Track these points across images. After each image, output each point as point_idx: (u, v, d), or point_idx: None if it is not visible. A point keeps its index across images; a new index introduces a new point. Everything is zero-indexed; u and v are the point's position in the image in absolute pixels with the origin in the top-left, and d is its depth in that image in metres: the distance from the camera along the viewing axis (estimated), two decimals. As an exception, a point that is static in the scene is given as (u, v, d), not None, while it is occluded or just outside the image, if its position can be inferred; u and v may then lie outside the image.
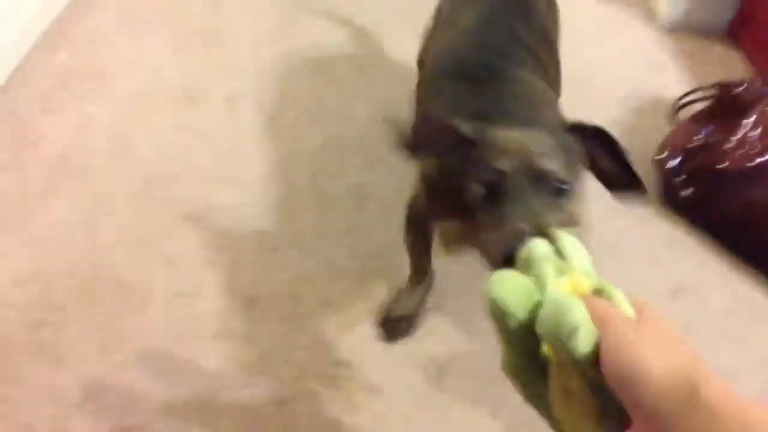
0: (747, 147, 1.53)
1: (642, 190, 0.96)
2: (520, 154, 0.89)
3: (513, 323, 0.58)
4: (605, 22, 2.28)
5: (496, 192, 0.87)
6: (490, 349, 0.66)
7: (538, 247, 0.65)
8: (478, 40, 1.28)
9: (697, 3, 2.18)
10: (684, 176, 1.63)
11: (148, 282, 1.46)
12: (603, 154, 0.96)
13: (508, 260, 0.70)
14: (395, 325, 1.39)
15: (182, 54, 2.09)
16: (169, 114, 1.88)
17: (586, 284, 0.61)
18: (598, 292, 0.60)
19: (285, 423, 1.26)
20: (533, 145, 0.90)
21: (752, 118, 1.55)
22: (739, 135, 1.55)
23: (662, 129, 1.78)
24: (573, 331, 0.52)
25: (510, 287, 0.59)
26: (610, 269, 1.48)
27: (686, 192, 1.63)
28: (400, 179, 1.67)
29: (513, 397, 0.60)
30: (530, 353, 0.59)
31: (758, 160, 1.51)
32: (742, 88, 1.65)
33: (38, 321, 1.38)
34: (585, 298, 0.56)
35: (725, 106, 1.66)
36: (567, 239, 0.67)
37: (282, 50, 2.11)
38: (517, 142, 0.91)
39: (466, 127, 0.94)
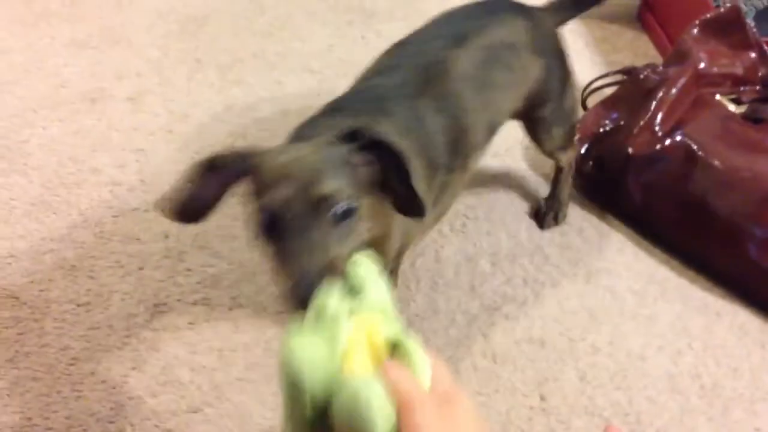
0: (652, 130, 1.55)
1: (421, 215, 0.87)
2: (295, 179, 0.79)
3: (306, 399, 0.54)
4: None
5: (276, 224, 0.79)
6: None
7: (329, 299, 0.61)
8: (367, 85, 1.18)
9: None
10: (592, 161, 1.65)
11: (45, 293, 1.39)
12: (385, 167, 0.86)
13: (303, 302, 0.66)
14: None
15: (81, 53, 2.01)
16: (68, 117, 1.80)
17: (381, 333, 0.59)
18: (396, 347, 0.58)
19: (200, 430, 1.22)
20: (310, 164, 0.81)
21: (655, 102, 1.57)
22: (645, 119, 1.57)
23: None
24: (371, 426, 0.50)
25: (307, 358, 0.55)
26: (523, 258, 1.51)
27: (595, 176, 1.65)
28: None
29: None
30: (318, 424, 0.55)
31: (660, 144, 1.53)
32: (646, 72, 1.67)
33: (-74, 341, 1.30)
34: (385, 370, 0.54)
35: (632, 91, 1.68)
36: (360, 270, 0.64)
37: (187, 49, 2.06)
38: (294, 161, 0.82)
39: (232, 155, 0.87)
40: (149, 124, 1.80)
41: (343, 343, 0.56)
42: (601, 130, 1.67)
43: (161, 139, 1.76)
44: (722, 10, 1.70)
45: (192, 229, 1.53)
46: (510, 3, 1.30)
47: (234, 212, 1.56)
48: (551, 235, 1.59)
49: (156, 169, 1.67)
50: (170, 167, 1.67)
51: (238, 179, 0.87)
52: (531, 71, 1.27)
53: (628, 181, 1.57)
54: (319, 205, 0.78)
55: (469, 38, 1.18)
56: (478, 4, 1.31)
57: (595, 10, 2.21)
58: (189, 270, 1.46)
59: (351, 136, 0.85)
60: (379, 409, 0.51)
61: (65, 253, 1.47)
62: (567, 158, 1.53)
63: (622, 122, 1.64)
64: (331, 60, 2.06)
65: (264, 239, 0.81)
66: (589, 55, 2.11)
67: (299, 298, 0.69)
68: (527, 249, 1.55)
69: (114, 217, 1.56)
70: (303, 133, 1.04)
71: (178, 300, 1.41)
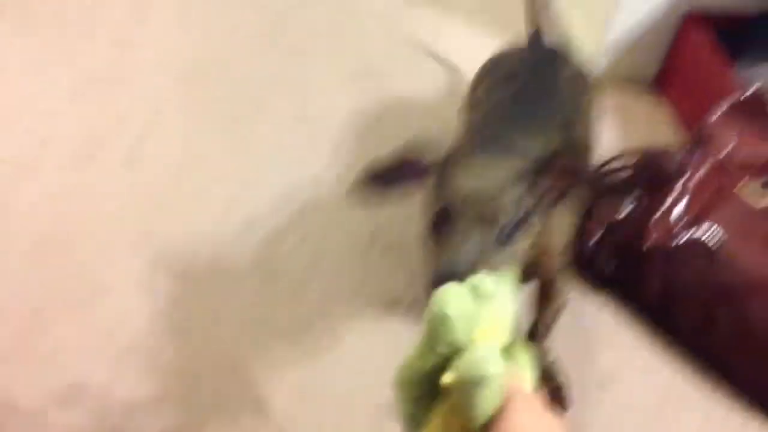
0: (671, 223, 1.46)
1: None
2: (473, 190, 0.87)
3: (438, 348, 0.58)
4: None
5: (445, 222, 0.87)
6: None
7: (486, 279, 0.64)
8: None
9: (623, 55, 2.13)
10: (607, 252, 1.56)
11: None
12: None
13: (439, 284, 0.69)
14: None
15: (81, 101, 1.92)
16: (59, 172, 1.71)
17: (498, 335, 0.62)
18: (508, 348, 0.63)
19: None
20: (492, 178, 0.89)
21: (674, 193, 1.49)
22: (663, 209, 1.48)
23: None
24: (479, 396, 0.53)
25: (456, 309, 0.59)
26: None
27: (609, 269, 1.56)
28: (312, 253, 1.57)
29: None
30: (432, 377, 0.58)
31: (679, 237, 1.44)
32: (666, 156, 1.58)
33: None
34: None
35: (649, 178, 1.60)
36: (495, 281, 0.65)
37: (192, 101, 1.97)
38: (477, 173, 0.90)
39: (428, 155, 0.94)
40: (146, 183, 1.71)
41: (483, 318, 0.61)
42: (617, 217, 1.58)
43: (156, 203, 1.67)
44: (747, 93, 1.61)
45: (192, 303, 1.45)
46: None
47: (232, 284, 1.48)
48: (559, 330, 1.49)
49: (151, 236, 1.58)
50: (168, 237, 1.58)
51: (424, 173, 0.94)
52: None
53: (646, 277, 1.48)
54: (488, 219, 0.85)
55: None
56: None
57: (611, 76, 2.15)
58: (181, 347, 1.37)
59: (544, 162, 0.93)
60: (494, 381, 0.53)
61: (43, 349, 1.38)
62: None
63: (639, 210, 1.55)
64: (345, 122, 1.97)
65: (431, 231, 0.88)
66: (604, 122, 2.01)
67: (439, 279, 0.75)
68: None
69: (102, 296, 1.47)
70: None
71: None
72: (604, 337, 1.49)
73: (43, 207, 1.64)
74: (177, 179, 1.74)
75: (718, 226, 1.44)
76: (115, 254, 1.55)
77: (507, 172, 0.90)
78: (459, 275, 0.74)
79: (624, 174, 1.64)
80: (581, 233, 1.60)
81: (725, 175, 1.53)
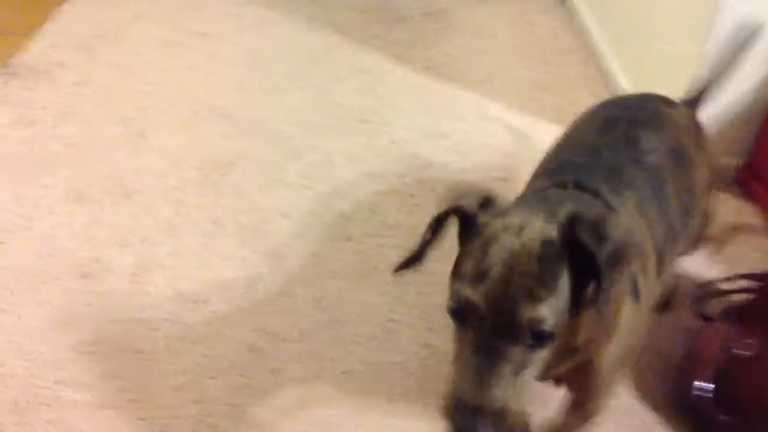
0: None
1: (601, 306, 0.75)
2: (500, 285, 0.73)
3: None
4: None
5: (468, 318, 0.75)
6: None
7: None
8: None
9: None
10: (718, 398, 1.26)
11: None
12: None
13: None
14: None
15: (78, 212, 1.68)
16: (51, 301, 1.45)
17: None
18: None
19: None
20: (525, 269, 0.74)
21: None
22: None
23: (681, 321, 1.43)
24: None
25: None
26: None
27: (722, 418, 1.26)
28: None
29: None
30: None
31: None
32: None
33: None
34: None
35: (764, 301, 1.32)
36: None
37: (205, 205, 1.73)
38: (509, 256, 0.75)
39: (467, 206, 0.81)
40: (153, 313, 1.45)
41: None
42: (730, 356, 1.28)
43: (162, 339, 1.40)
44: None
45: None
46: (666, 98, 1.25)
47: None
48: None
49: (154, 389, 1.31)
50: (170, 381, 1.31)
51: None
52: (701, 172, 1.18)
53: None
54: (521, 327, 0.73)
55: (662, 124, 1.14)
56: (644, 95, 1.27)
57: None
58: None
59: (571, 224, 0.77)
60: None
61: None
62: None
63: (760, 348, 1.26)
64: (374, 225, 1.71)
65: (453, 320, 0.78)
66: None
67: (454, 427, 0.72)
68: None
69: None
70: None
71: None
72: None
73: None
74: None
75: None
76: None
77: (534, 250, 0.75)
78: (476, 424, 0.71)
79: (743, 296, 1.37)
80: (685, 367, 1.32)
81: None
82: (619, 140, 1.08)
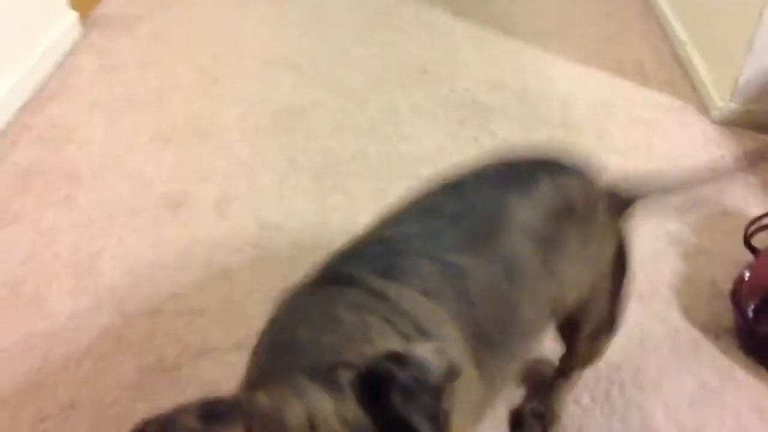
0: None
1: None
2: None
3: None
4: (652, 117, 2.03)
5: None
6: None
7: None
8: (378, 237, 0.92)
9: (758, 96, 1.93)
10: (770, 322, 1.34)
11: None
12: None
13: None
14: None
15: (166, 151, 1.81)
16: (145, 226, 1.59)
17: None
18: None
19: None
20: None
21: None
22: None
23: (734, 253, 1.50)
24: None
25: None
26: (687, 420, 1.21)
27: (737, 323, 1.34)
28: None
29: None
30: None
31: None
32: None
33: None
34: None
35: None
36: None
37: (280, 145, 1.84)
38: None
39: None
40: (235, 238, 1.57)
41: None
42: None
43: (247, 259, 1.52)
44: None
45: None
46: (576, 164, 1.01)
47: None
48: (720, 412, 1.28)
49: (241, 296, 1.43)
50: (256, 295, 1.43)
51: None
52: (599, 253, 1.00)
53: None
54: None
55: (539, 187, 0.93)
56: (536, 158, 1.02)
57: (744, 119, 1.95)
58: None
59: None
60: None
61: (136, 406, 1.23)
62: (585, 365, 1.21)
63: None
64: (441, 165, 1.81)
65: None
66: (741, 174, 1.80)
67: None
68: (689, 430, 1.24)
69: (193, 358, 1.31)
70: (296, 337, 0.75)
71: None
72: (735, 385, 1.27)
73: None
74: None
75: None
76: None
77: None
78: None
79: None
80: (736, 293, 1.39)
81: None
82: (429, 231, 0.89)
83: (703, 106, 2.04)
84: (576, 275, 0.96)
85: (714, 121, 1.99)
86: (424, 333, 0.77)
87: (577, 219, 0.95)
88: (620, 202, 1.06)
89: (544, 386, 1.26)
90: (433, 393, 0.61)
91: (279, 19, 2.44)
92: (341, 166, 1.80)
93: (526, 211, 0.90)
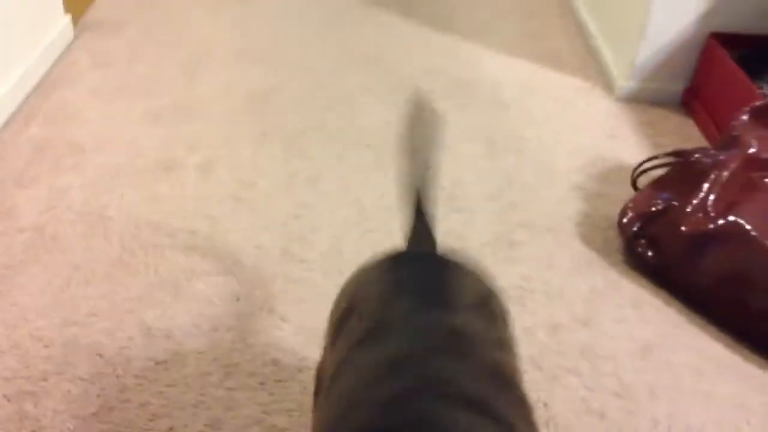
0: (706, 210, 1.61)
1: None
2: None
3: None
4: (566, 96, 2.42)
5: None
6: None
7: None
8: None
9: (651, 76, 2.32)
10: (645, 240, 1.71)
11: (126, 351, 1.47)
12: None
13: None
14: None
15: (156, 125, 2.14)
16: (143, 185, 1.91)
17: None
18: None
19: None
20: None
21: (707, 184, 1.64)
22: (697, 200, 1.63)
23: (624, 195, 1.86)
24: None
25: None
26: (578, 328, 1.56)
27: (648, 255, 1.70)
28: (378, 244, 1.72)
29: None
30: None
31: (714, 224, 1.59)
32: (697, 155, 1.74)
33: (19, 392, 1.37)
34: None
35: (682, 173, 1.75)
36: None
37: (254, 121, 2.18)
38: None
39: None
40: (218, 192, 1.90)
41: None
42: (653, 209, 1.73)
43: (228, 208, 1.85)
44: (770, 99, 1.78)
45: (259, 292, 1.61)
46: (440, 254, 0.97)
47: (298, 276, 1.64)
48: (605, 307, 1.64)
49: (224, 234, 1.76)
50: (237, 234, 1.76)
51: None
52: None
53: (682, 260, 1.63)
54: None
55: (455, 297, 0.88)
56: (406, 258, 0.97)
57: (641, 95, 2.34)
58: (258, 332, 1.53)
59: None
60: None
61: (144, 313, 1.55)
62: None
63: (673, 203, 1.70)
64: (388, 135, 2.17)
65: None
66: (635, 138, 2.19)
67: None
68: (582, 320, 1.60)
69: (186, 280, 1.64)
70: None
71: (249, 361, 1.47)
72: (645, 313, 1.63)
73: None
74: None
75: (750, 212, 1.58)
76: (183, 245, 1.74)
77: None
78: None
79: (659, 172, 1.81)
80: (622, 223, 1.76)
81: (753, 169, 1.68)
82: None
83: (608, 87, 2.44)
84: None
85: (617, 99, 2.38)
86: None
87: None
88: None
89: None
90: None
91: (248, 19, 2.79)
92: (305, 136, 2.14)
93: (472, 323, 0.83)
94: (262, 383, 1.43)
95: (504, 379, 0.78)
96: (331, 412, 0.76)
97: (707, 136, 2.17)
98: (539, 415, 1.39)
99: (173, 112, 2.21)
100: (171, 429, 1.33)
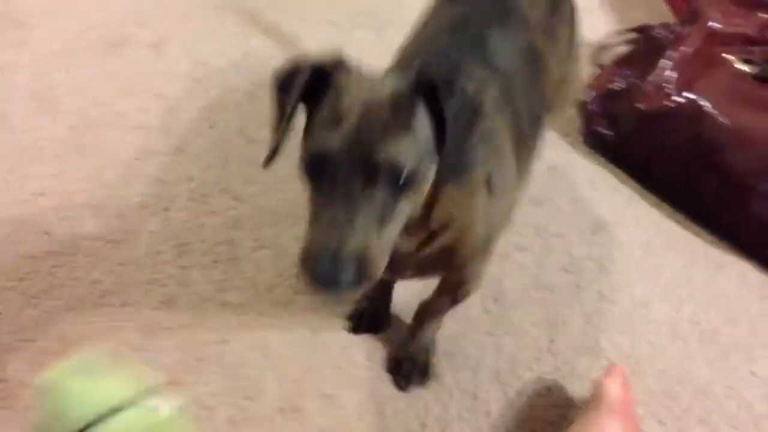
0: (663, 88, 1.59)
1: (459, 179, 0.80)
2: (358, 126, 0.72)
3: None
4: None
5: (324, 168, 0.72)
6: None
7: None
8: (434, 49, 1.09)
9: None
10: (605, 118, 1.69)
11: (76, 230, 1.45)
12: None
13: (315, 285, 0.69)
14: (358, 321, 1.32)
15: (102, 1, 2.04)
16: (92, 62, 1.84)
17: None
18: None
19: (230, 360, 1.28)
20: (379, 111, 0.73)
21: (669, 60, 1.61)
22: (657, 76, 1.61)
23: (589, 73, 1.83)
24: None
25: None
26: (533, 207, 1.57)
27: (607, 132, 1.70)
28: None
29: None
30: None
31: (670, 102, 1.57)
32: (659, 30, 1.70)
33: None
34: None
35: (645, 49, 1.72)
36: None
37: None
38: (363, 103, 0.73)
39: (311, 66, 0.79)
40: (172, 71, 1.84)
41: None
42: (614, 87, 1.70)
43: (182, 87, 1.80)
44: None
45: (213, 172, 1.59)
46: None
47: (254, 156, 1.61)
48: (562, 186, 1.64)
49: (177, 113, 1.72)
50: (191, 113, 1.72)
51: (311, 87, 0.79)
52: (569, 23, 1.27)
53: (639, 137, 1.62)
54: (378, 166, 0.71)
55: (512, 23, 1.12)
56: None
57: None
58: (212, 212, 1.52)
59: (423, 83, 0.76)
60: None
61: (94, 192, 1.52)
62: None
63: (634, 80, 1.67)
64: (350, 12, 2.09)
65: (307, 179, 0.75)
66: (603, 12, 2.14)
67: (313, 279, 0.69)
68: (537, 199, 1.60)
69: (137, 159, 1.61)
70: None
71: (203, 241, 1.46)
72: (601, 191, 1.64)
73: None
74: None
75: (708, 89, 1.57)
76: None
77: (388, 98, 0.74)
78: (337, 270, 0.68)
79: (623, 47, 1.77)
80: (584, 101, 1.74)
81: (714, 45, 1.65)
82: (467, 43, 1.06)
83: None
84: (561, 58, 1.21)
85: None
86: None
87: (558, 12, 1.20)
88: None
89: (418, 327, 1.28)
90: (464, 99, 0.75)
91: None
92: (261, 14, 2.05)
93: (534, 12, 1.13)
94: (215, 261, 1.43)
95: (535, 65, 1.10)
96: (411, 42, 1.14)
97: (675, 11, 2.11)
98: (492, 290, 1.42)
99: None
100: (124, 304, 1.34)
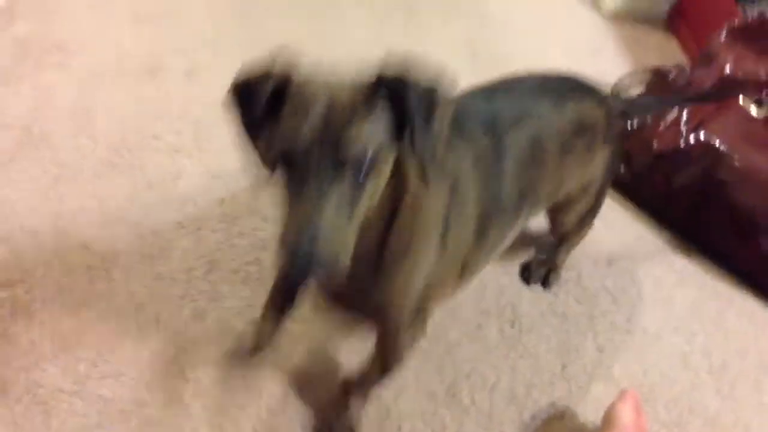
0: (677, 128, 1.66)
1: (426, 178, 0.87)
2: (322, 118, 0.77)
3: None
4: (553, 11, 2.42)
5: (294, 159, 0.78)
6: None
7: None
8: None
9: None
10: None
11: (113, 245, 1.52)
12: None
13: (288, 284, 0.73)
14: None
15: (142, 28, 2.13)
16: (129, 87, 1.92)
17: None
18: None
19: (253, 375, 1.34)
20: (344, 100, 0.79)
21: (681, 102, 1.69)
22: (670, 118, 1.68)
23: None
24: None
25: None
26: (548, 238, 1.63)
27: (621, 171, 1.76)
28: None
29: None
30: None
31: (684, 141, 1.64)
32: (674, 73, 1.78)
33: (9, 281, 1.43)
34: None
35: (659, 90, 1.79)
36: None
37: (241, 25, 2.18)
38: (328, 92, 0.79)
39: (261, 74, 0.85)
40: (204, 96, 1.92)
41: None
42: (629, 127, 1.77)
43: (214, 112, 1.87)
44: (750, 18, 1.80)
45: (245, 196, 1.66)
46: (593, 86, 1.30)
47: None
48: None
49: (210, 137, 1.80)
50: (222, 138, 1.79)
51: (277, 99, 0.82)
52: (597, 160, 1.29)
53: (653, 175, 1.69)
54: (347, 154, 0.76)
55: (567, 104, 1.20)
56: (569, 76, 1.30)
57: (627, 12, 2.34)
58: (242, 233, 1.59)
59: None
60: None
61: (131, 210, 1.59)
62: (580, 238, 1.50)
63: (648, 120, 1.74)
64: (377, 46, 2.18)
65: (280, 170, 0.80)
66: (618, 54, 2.22)
67: (292, 265, 0.73)
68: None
69: (174, 180, 1.68)
70: None
71: (233, 259, 1.53)
72: (614, 228, 1.70)
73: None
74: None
75: (720, 130, 1.64)
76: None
77: (352, 89, 0.80)
78: (308, 265, 0.72)
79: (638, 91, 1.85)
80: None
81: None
82: (479, 107, 1.15)
83: (595, 2, 2.44)
84: (574, 175, 1.27)
85: (604, 16, 2.39)
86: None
87: (586, 135, 1.22)
88: (617, 120, 1.33)
89: (547, 246, 1.55)
90: (433, 99, 0.80)
91: None
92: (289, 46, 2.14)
93: (557, 121, 1.18)
94: (244, 279, 1.50)
95: (537, 156, 1.15)
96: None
97: (689, 55, 2.19)
98: (509, 315, 1.47)
99: (159, 15, 2.19)
100: (157, 316, 1.40)
